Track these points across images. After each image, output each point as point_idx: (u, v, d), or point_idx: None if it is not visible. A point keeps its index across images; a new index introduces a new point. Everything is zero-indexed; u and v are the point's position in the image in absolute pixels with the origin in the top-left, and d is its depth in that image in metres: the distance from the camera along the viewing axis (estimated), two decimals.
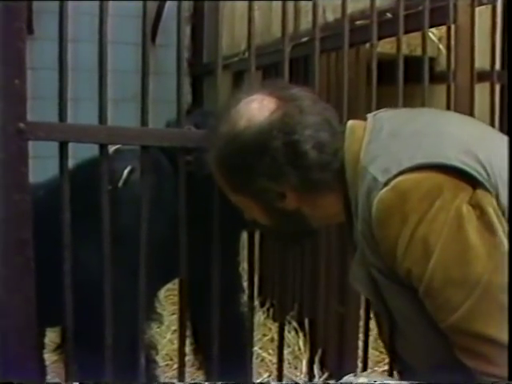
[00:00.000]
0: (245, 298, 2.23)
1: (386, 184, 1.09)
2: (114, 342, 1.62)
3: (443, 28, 2.15)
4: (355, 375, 1.28)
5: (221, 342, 1.72)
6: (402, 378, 1.39)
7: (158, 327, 3.09)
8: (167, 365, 2.73)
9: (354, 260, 1.27)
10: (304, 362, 2.64)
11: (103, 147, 1.58)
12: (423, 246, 1.06)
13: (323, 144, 1.20)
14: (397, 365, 1.48)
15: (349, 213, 1.24)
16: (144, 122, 1.59)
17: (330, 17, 2.49)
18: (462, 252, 1.04)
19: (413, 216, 1.06)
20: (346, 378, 1.27)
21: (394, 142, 1.18)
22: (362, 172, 1.17)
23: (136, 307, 1.63)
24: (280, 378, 1.89)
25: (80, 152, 1.74)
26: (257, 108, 1.22)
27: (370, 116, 1.30)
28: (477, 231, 1.05)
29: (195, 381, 2.34)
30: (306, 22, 2.60)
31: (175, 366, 2.44)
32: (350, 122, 1.28)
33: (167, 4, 3.94)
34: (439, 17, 1.93)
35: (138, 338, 1.66)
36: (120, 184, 1.71)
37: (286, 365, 2.28)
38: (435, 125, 1.21)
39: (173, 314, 3.17)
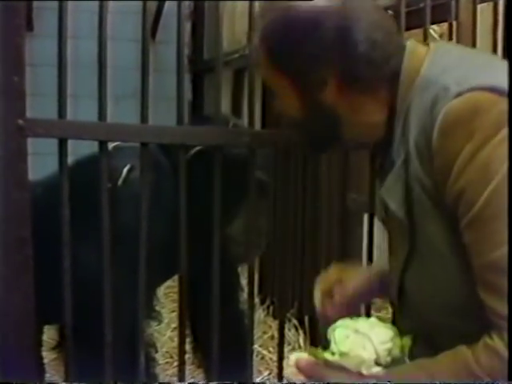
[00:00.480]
0: (244, 295, 2.22)
1: (459, 94, 1.03)
2: (113, 340, 1.62)
3: (445, 25, 2.13)
4: None
5: (220, 341, 1.72)
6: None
7: (158, 324, 3.10)
8: (167, 362, 2.73)
9: (392, 174, 1.17)
10: None
11: (103, 144, 1.57)
12: (484, 170, 1.00)
13: (376, 43, 1.15)
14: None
15: (390, 128, 1.18)
16: (144, 118, 1.58)
17: None
18: None
19: (479, 135, 1.00)
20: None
21: (467, 59, 1.15)
22: (423, 84, 1.11)
23: (135, 305, 1.63)
24: (280, 376, 1.88)
25: (80, 149, 1.73)
26: None
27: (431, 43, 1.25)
28: None
29: (195, 379, 2.33)
30: None
31: (175, 363, 2.43)
32: (411, 41, 1.23)
33: (167, 1, 3.94)
34: (441, 14, 1.92)
35: (136, 335, 1.66)
36: (120, 182, 1.70)
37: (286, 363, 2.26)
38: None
39: (173, 311, 3.17)
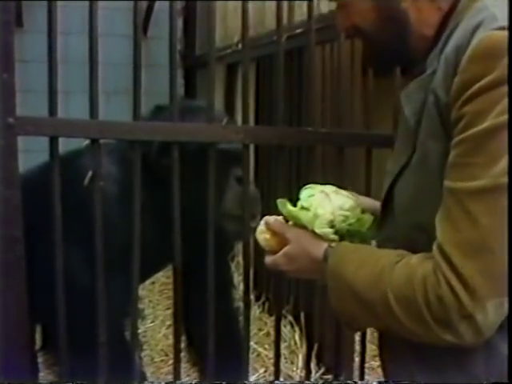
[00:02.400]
0: (238, 292, 2.21)
1: (502, 28, 1.01)
2: (91, 338, 1.61)
3: None
4: None
5: (215, 338, 1.70)
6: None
7: (152, 321, 3.09)
8: (162, 360, 2.71)
9: (416, 81, 1.16)
10: (300, 357, 2.63)
11: (94, 142, 1.55)
12: (493, 104, 0.97)
13: None
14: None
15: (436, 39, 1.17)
16: (136, 115, 1.56)
17: (325, 8, 2.46)
18: None
19: (502, 72, 0.98)
20: None
21: None
22: (478, 8, 1.10)
23: (112, 304, 1.62)
24: (277, 373, 1.87)
25: (71, 145, 1.71)
26: None
27: None
28: None
29: (190, 377, 2.32)
30: (300, 14, 2.57)
31: (170, 361, 2.42)
32: None
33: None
34: None
35: (115, 334, 1.65)
36: (86, 182, 1.68)
37: (282, 360, 2.25)
38: None
39: (167, 308, 3.15)
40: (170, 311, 2.88)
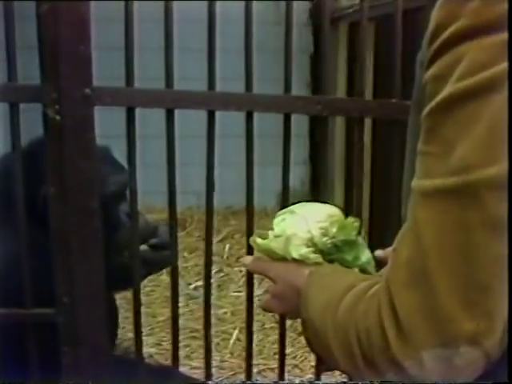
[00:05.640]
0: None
1: None
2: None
3: None
4: None
5: None
6: None
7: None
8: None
9: None
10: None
11: (169, 112, 1.53)
12: (451, 64, 0.69)
13: None
14: None
15: None
16: (211, 85, 1.54)
17: None
18: None
19: (468, 18, 0.69)
20: None
21: None
22: None
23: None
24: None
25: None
26: None
27: None
28: None
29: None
30: None
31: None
32: None
33: None
34: None
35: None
36: None
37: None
38: None
39: None
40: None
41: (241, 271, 3.51)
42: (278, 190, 4.13)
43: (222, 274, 3.57)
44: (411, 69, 0.88)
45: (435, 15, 0.72)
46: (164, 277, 3.54)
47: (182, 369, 2.54)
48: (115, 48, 1.84)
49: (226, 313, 3.12)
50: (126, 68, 1.51)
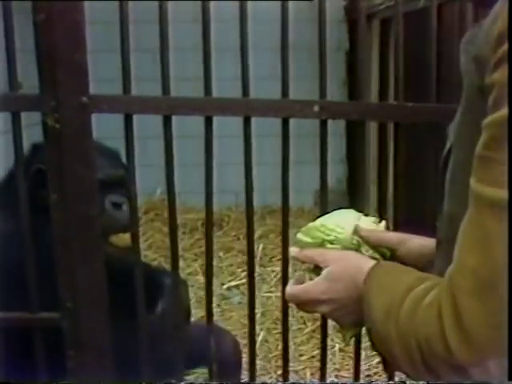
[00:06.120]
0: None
1: None
2: None
3: None
4: None
5: None
6: None
7: None
8: None
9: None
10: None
11: (166, 118, 1.53)
12: None
13: None
14: None
15: None
16: (208, 91, 1.53)
17: None
18: None
19: None
20: None
21: None
22: None
23: None
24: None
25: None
26: None
27: None
28: None
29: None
30: None
31: None
32: None
33: None
34: None
35: None
36: None
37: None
38: None
39: None
40: None
41: (273, 271, 3.51)
42: (316, 190, 4.15)
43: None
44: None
45: (504, 15, 0.70)
46: (199, 276, 3.58)
47: None
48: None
49: (256, 313, 3.10)
50: (123, 75, 1.52)
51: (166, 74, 1.53)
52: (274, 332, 2.91)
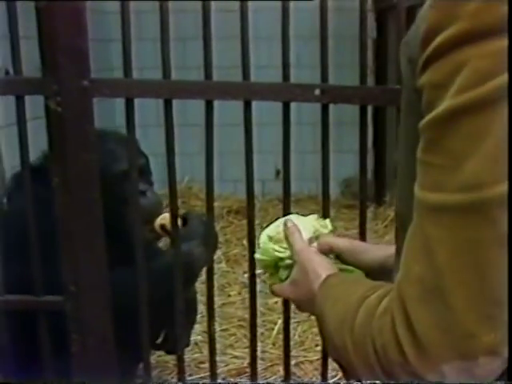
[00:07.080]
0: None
1: None
2: None
3: None
4: None
5: None
6: None
7: None
8: None
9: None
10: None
11: (167, 102, 1.53)
12: (448, 72, 0.65)
13: None
14: None
15: None
16: (208, 74, 1.52)
17: None
18: None
19: (467, 20, 0.65)
20: None
21: None
22: None
23: None
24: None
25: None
26: None
27: None
28: None
29: None
30: None
31: None
32: None
33: None
34: None
35: None
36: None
37: None
38: None
39: None
40: None
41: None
42: (341, 178, 4.12)
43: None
44: None
45: (429, 15, 0.68)
46: (222, 264, 3.58)
47: (222, 358, 2.57)
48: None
49: (276, 302, 3.09)
50: (124, 59, 1.52)
51: (167, 59, 1.52)
52: (293, 321, 2.89)
